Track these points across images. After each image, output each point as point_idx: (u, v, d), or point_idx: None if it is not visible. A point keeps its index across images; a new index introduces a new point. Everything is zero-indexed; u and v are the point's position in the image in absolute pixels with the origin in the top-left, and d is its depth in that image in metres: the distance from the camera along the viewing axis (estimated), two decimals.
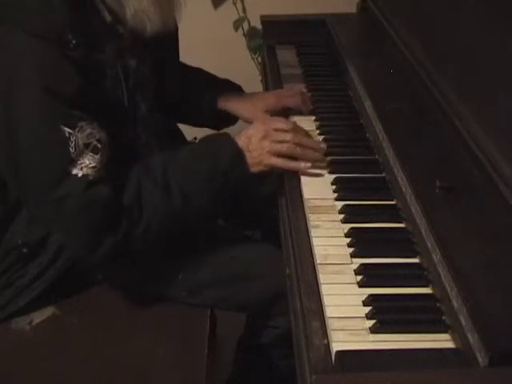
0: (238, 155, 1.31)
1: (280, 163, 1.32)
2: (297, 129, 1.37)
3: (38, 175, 1.21)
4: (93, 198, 1.20)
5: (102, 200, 1.21)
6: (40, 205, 1.24)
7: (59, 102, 1.19)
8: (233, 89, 1.63)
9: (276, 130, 1.34)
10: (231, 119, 1.63)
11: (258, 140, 1.31)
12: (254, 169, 1.32)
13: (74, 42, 1.21)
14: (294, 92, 1.60)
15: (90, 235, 1.23)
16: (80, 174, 1.20)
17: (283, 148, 1.32)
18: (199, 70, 1.67)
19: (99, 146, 1.22)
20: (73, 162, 1.20)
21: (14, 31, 1.18)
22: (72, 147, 1.19)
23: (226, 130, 1.66)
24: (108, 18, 1.30)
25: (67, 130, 1.19)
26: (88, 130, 1.21)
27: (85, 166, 1.20)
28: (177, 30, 1.53)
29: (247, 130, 1.34)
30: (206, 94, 1.60)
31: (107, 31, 1.30)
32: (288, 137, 1.33)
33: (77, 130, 1.20)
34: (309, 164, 1.32)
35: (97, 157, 1.21)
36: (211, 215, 1.48)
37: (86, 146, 1.20)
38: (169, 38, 1.47)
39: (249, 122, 1.55)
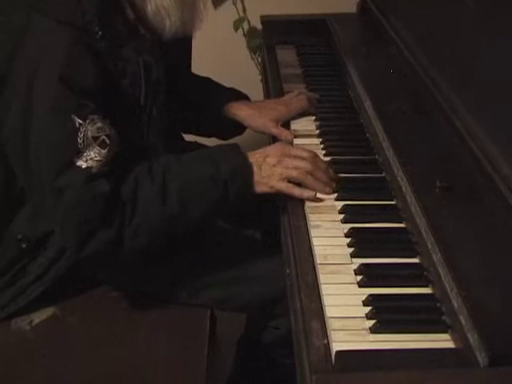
0: (244, 168, 1.28)
1: (285, 188, 1.28)
2: (314, 160, 1.32)
3: (44, 162, 1.21)
4: (93, 191, 1.20)
5: (101, 195, 1.20)
6: (42, 193, 1.24)
7: (74, 92, 1.19)
8: (240, 97, 1.61)
9: (294, 156, 1.31)
10: (238, 129, 1.61)
11: (273, 162, 1.29)
12: (259, 188, 1.28)
13: (99, 33, 1.22)
14: (299, 95, 1.60)
15: (83, 228, 1.22)
16: (84, 166, 1.19)
17: (294, 173, 1.28)
18: (207, 79, 1.67)
19: (107, 141, 1.21)
20: (79, 154, 1.19)
21: (43, 17, 1.19)
22: (80, 138, 1.19)
23: (233, 140, 1.66)
24: (131, 15, 1.30)
25: (78, 120, 1.19)
26: (98, 124, 1.21)
27: (90, 158, 1.20)
28: (191, 39, 1.53)
29: (265, 149, 1.32)
30: (212, 103, 1.59)
31: (129, 29, 1.30)
32: (302, 164, 1.29)
33: (87, 121, 1.19)
34: (313, 194, 1.27)
35: (103, 151, 1.21)
36: (207, 223, 1.44)
37: (95, 139, 1.20)
38: (183, 46, 1.49)
39: (257, 131, 1.55)
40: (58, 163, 1.20)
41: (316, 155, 1.34)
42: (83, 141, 1.19)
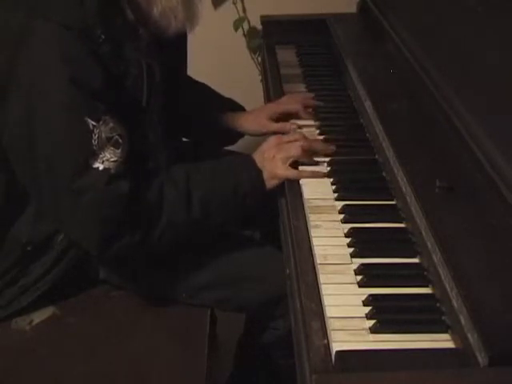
0: (258, 178, 1.33)
1: (292, 175, 1.33)
2: (306, 137, 1.40)
3: (59, 166, 1.21)
4: (114, 192, 1.21)
5: (123, 195, 1.21)
6: (56, 196, 1.23)
7: (85, 94, 1.19)
8: (237, 108, 1.65)
9: (288, 142, 1.37)
10: (233, 138, 1.65)
11: (272, 155, 1.34)
12: (269, 183, 1.34)
13: (102, 37, 1.22)
14: (294, 100, 1.61)
15: (106, 229, 1.23)
16: (101, 168, 1.20)
17: (292, 152, 1.34)
18: (204, 87, 1.68)
19: (120, 140, 1.22)
20: (94, 155, 1.19)
21: (45, 21, 1.19)
22: (95, 139, 1.19)
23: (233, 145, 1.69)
24: (130, 16, 1.30)
25: (91, 122, 1.19)
26: (111, 124, 1.21)
27: (106, 159, 1.20)
28: (186, 40, 1.53)
29: (260, 148, 1.37)
30: (208, 110, 1.62)
31: (128, 30, 1.30)
32: (298, 143, 1.35)
33: (101, 122, 1.20)
34: (324, 171, 1.33)
35: (118, 151, 1.21)
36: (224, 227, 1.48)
37: (108, 139, 1.20)
38: (179, 46, 1.49)
39: (255, 134, 1.61)
40: (75, 166, 1.20)
41: (304, 134, 1.42)
42: (98, 142, 1.20)
